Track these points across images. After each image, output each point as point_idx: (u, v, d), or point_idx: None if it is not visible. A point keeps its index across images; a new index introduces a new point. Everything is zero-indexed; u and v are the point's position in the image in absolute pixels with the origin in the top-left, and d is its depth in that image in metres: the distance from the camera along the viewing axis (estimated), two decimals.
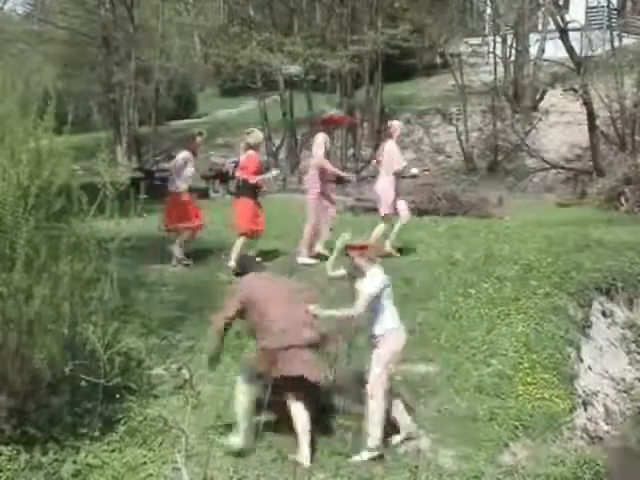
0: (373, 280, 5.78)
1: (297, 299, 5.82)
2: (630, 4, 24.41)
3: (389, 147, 9.55)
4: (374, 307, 5.76)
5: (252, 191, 9.24)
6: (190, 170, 9.53)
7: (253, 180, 9.16)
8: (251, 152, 9.30)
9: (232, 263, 8.60)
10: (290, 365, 5.47)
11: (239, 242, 9.06)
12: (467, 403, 6.47)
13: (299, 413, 5.58)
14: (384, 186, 9.52)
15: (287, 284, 6.17)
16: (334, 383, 6.25)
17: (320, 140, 9.38)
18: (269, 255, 9.44)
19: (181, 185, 9.46)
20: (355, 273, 5.91)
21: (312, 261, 9.20)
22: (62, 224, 5.44)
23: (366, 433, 5.66)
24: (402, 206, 9.62)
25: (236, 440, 5.53)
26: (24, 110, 5.37)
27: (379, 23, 22.32)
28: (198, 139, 9.77)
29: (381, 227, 9.49)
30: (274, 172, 10.35)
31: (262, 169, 9.57)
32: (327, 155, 9.47)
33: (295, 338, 5.54)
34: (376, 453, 5.63)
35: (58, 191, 5.28)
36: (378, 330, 5.78)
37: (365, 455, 5.61)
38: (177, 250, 9.39)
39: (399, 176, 9.64)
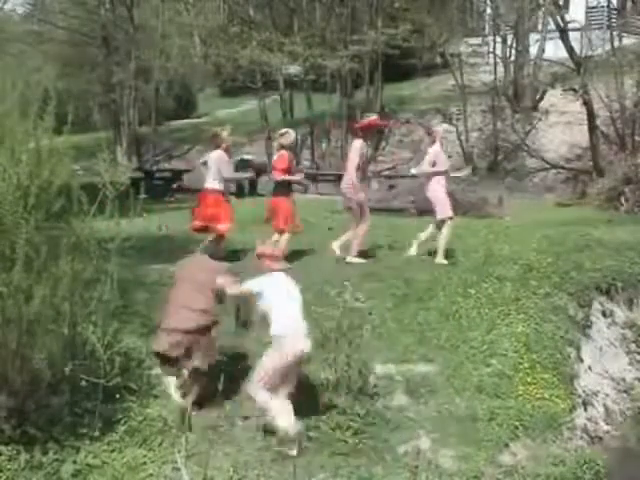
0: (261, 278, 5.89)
1: (204, 284, 5.96)
2: (630, 4, 24.40)
3: (435, 151, 9.49)
4: (265, 309, 5.76)
5: (287, 189, 9.36)
6: (225, 169, 9.30)
7: (280, 178, 9.27)
8: (283, 152, 9.41)
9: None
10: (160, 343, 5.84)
11: (284, 239, 9.18)
12: (467, 403, 6.48)
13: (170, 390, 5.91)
14: (437, 191, 9.40)
15: (206, 268, 6.18)
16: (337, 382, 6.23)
17: (357, 146, 9.37)
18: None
19: (216, 185, 9.23)
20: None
21: (362, 260, 9.31)
22: (62, 224, 5.44)
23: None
24: None
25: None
26: (24, 110, 5.37)
27: (379, 23, 22.33)
28: (224, 134, 9.45)
29: (447, 231, 9.34)
30: (298, 176, 10.35)
31: (293, 167, 9.61)
32: (366, 160, 9.56)
33: (178, 322, 5.80)
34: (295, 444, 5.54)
35: (58, 191, 5.28)
36: (271, 332, 5.70)
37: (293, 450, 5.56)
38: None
39: (447, 177, 9.61)
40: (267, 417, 5.62)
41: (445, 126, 10.21)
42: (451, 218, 9.41)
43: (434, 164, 9.40)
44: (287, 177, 9.33)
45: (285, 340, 5.59)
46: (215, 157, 9.26)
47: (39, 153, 5.32)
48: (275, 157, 9.58)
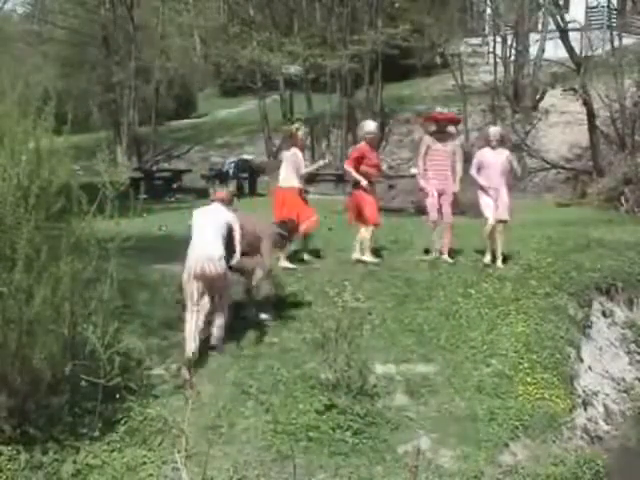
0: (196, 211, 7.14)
1: None
2: (630, 4, 24.37)
3: (478, 153, 9.53)
4: None
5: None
6: (301, 166, 9.24)
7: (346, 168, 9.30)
8: (361, 144, 9.43)
9: (357, 255, 9.07)
10: None
11: (367, 234, 9.13)
12: (467, 403, 6.47)
13: None
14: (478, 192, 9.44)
15: None
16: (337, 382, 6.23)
17: (423, 141, 9.40)
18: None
19: (293, 182, 9.19)
20: None
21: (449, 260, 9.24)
22: (62, 224, 5.44)
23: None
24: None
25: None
26: (24, 110, 5.37)
27: (379, 23, 22.34)
28: (300, 133, 9.47)
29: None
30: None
31: (368, 159, 9.34)
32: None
33: None
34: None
35: (58, 191, 5.28)
36: None
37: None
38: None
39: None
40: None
41: (494, 129, 9.98)
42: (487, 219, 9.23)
43: (479, 166, 9.35)
44: (352, 172, 9.20)
45: (188, 259, 6.69)
46: (291, 155, 9.24)
47: (39, 153, 5.32)
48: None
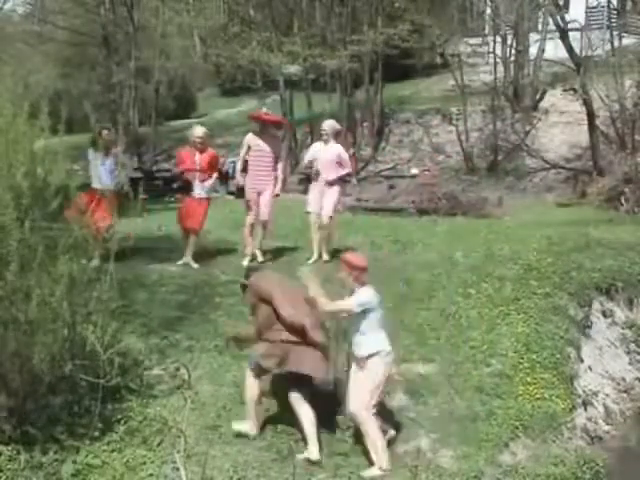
0: (359, 296, 5.63)
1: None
2: (630, 4, 24.39)
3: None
4: (359, 325, 5.63)
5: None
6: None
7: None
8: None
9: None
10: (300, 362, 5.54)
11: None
12: (467, 403, 6.47)
13: (305, 409, 5.61)
14: None
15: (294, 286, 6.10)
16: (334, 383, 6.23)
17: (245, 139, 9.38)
18: (274, 254, 9.52)
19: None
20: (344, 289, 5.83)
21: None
22: (59, 224, 5.43)
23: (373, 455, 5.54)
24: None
25: (243, 426, 5.69)
26: (20, 110, 5.36)
27: (379, 23, 22.36)
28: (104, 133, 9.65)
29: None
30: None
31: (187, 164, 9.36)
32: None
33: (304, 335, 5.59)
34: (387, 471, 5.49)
35: (55, 191, 5.27)
36: (363, 351, 5.66)
37: (375, 471, 5.48)
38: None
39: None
40: None
41: (326, 122, 9.57)
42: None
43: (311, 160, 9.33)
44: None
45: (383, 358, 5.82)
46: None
47: (33, 153, 5.31)
48: None
